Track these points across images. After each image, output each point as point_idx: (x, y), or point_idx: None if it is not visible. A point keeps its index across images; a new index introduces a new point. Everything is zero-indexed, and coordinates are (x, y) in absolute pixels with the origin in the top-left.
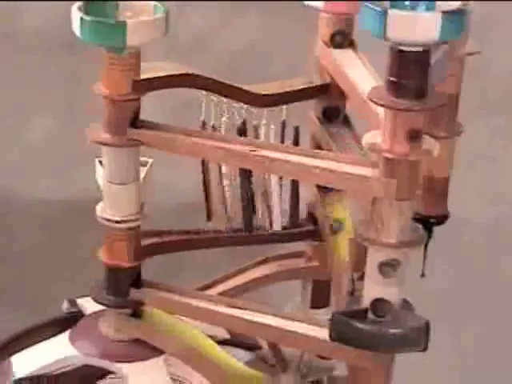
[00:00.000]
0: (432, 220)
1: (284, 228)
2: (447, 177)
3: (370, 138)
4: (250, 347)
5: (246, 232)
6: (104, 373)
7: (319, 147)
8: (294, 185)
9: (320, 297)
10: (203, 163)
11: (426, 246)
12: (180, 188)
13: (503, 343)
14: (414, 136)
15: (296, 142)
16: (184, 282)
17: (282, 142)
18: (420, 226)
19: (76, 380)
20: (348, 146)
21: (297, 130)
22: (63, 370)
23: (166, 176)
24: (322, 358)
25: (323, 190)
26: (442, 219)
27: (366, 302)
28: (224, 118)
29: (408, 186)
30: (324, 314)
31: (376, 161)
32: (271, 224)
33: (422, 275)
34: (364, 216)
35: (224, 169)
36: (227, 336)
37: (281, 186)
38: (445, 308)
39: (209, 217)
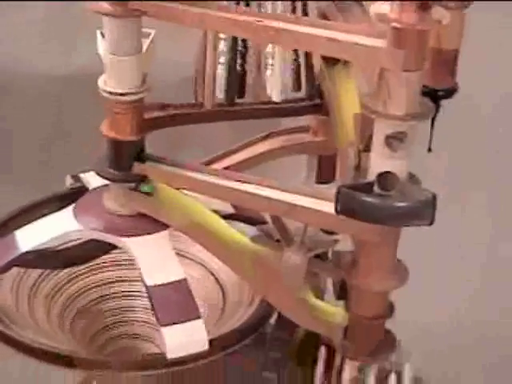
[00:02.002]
0: (440, 93)
1: (289, 102)
2: (457, 49)
3: (378, 8)
4: (255, 222)
5: (227, 103)
6: (109, 247)
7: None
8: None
9: (325, 171)
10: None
11: (433, 120)
12: (183, 62)
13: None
14: (423, 5)
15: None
16: (188, 159)
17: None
18: (428, 99)
19: (81, 255)
20: (356, 20)
21: (305, 4)
22: (68, 244)
23: (170, 50)
24: (327, 233)
25: (330, 62)
26: (450, 92)
27: (372, 176)
28: None
29: (416, 56)
30: (330, 189)
31: (384, 31)
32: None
33: (429, 150)
34: (371, 89)
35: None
36: (232, 211)
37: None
38: (450, 183)
39: (196, 95)
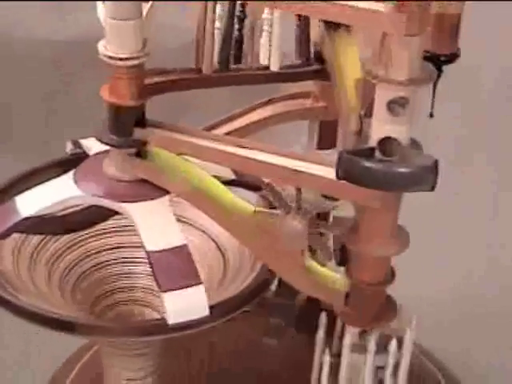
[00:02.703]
0: (442, 58)
1: (290, 67)
2: (459, 13)
3: None
4: (256, 188)
5: (221, 68)
6: (110, 213)
7: None
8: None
9: (327, 137)
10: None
11: (435, 85)
12: (184, 28)
13: None
14: None
15: None
16: (189, 125)
17: None
18: (429, 64)
19: (82, 221)
20: None
21: None
22: (69, 210)
23: (170, 16)
24: (328, 199)
25: (332, 27)
26: (452, 58)
27: (373, 141)
28: None
29: (418, 20)
30: (331, 155)
31: None
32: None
33: (431, 115)
34: (373, 54)
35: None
36: (233, 177)
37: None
38: (453, 149)
39: (197, 60)
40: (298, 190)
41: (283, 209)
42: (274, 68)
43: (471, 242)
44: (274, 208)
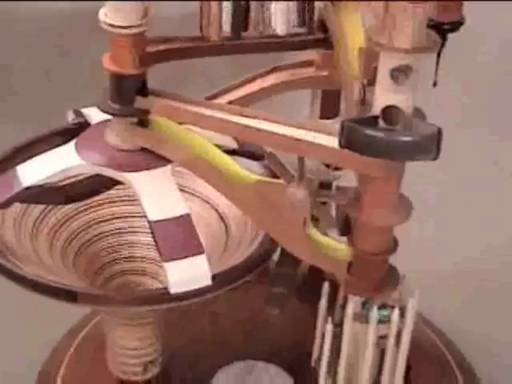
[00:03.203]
0: (446, 26)
1: (294, 35)
2: None
3: None
4: (259, 157)
5: (233, 37)
6: (112, 183)
7: None
8: None
9: (329, 107)
10: None
11: (439, 54)
12: None
13: None
14: None
15: None
16: (191, 94)
17: None
18: (434, 32)
19: (84, 191)
20: None
21: None
22: (71, 180)
23: None
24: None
25: None
26: (456, 26)
27: (376, 110)
28: None
29: None
30: (334, 124)
31: None
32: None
33: (434, 84)
34: (376, 22)
35: None
36: (235, 146)
37: None
38: (456, 118)
39: (201, 28)
40: (301, 159)
41: (285, 178)
42: (281, 32)
43: (474, 211)
44: (277, 177)
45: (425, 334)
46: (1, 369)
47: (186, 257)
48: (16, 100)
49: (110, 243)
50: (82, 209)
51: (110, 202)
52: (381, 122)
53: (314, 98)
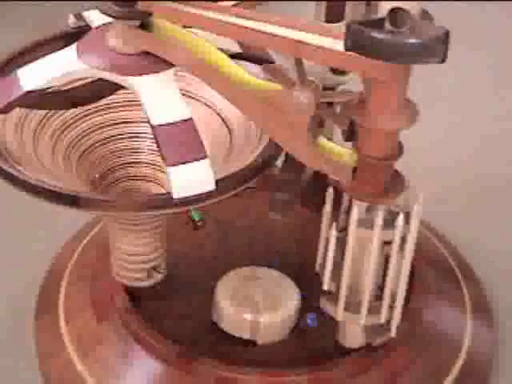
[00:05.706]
0: None
1: None
2: None
3: None
4: (262, 61)
5: None
6: (115, 87)
7: None
8: None
9: (334, 11)
10: None
11: None
12: None
13: None
14: None
15: None
16: None
17: None
18: None
19: (86, 95)
20: None
21: None
22: (73, 84)
23: None
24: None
25: None
26: None
27: (383, 12)
28: None
29: None
30: (339, 27)
31: None
32: None
33: None
34: None
35: None
36: (238, 50)
37: None
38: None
39: None
40: (298, 61)
41: (287, 85)
42: None
43: (476, 115)
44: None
45: (429, 241)
46: (5, 274)
47: (189, 161)
48: (16, 4)
49: (112, 148)
50: (85, 114)
51: (113, 107)
52: (387, 24)
53: (319, 2)
